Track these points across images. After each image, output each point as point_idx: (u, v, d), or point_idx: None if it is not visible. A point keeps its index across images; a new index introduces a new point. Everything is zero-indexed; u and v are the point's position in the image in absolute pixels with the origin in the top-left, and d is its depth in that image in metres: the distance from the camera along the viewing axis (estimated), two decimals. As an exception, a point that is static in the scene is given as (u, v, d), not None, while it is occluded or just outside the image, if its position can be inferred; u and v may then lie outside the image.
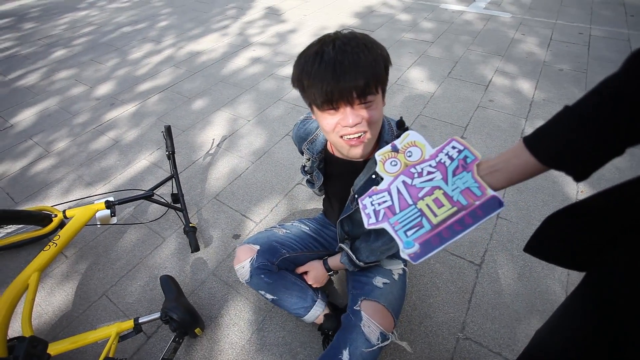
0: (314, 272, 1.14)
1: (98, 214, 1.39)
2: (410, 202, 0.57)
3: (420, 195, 0.57)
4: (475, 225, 0.52)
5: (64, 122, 2.38)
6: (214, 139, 2.14)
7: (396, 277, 1.06)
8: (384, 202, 0.59)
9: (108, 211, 1.39)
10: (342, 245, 1.06)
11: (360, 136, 0.75)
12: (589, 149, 0.47)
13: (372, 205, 0.60)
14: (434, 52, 2.98)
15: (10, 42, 3.74)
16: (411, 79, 2.62)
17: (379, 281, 1.02)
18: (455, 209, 0.54)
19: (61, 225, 1.44)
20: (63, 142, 2.19)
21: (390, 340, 0.91)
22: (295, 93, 2.52)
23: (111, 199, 1.42)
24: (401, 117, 0.89)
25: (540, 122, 2.25)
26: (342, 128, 0.74)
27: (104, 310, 1.31)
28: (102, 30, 3.87)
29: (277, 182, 1.81)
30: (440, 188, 0.56)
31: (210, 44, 3.35)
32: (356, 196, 0.92)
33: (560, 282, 1.31)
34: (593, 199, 0.53)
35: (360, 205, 0.62)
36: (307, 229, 1.22)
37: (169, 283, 1.22)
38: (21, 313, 1.06)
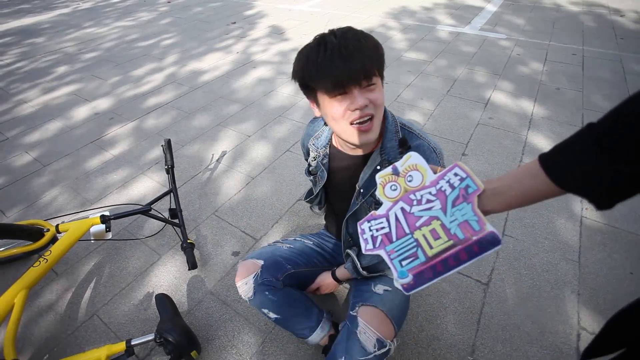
0: (324, 288, 1.14)
1: (92, 229, 1.34)
2: (407, 231, 0.57)
3: (417, 224, 0.57)
4: (470, 262, 0.51)
5: (62, 136, 2.36)
6: (213, 154, 2.12)
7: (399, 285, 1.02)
8: (382, 228, 0.60)
9: (103, 226, 1.34)
10: (349, 251, 1.03)
11: (368, 120, 0.77)
12: (608, 174, 0.42)
13: (370, 230, 0.61)
14: (432, 70, 3.03)
15: (13, 57, 3.77)
16: (411, 96, 2.64)
17: (379, 288, 0.98)
18: (451, 242, 0.53)
19: (53, 240, 1.38)
20: (59, 156, 2.15)
21: (388, 348, 0.85)
22: (298, 111, 2.52)
23: (107, 213, 1.38)
24: (404, 135, 0.87)
25: (540, 139, 2.24)
26: (351, 113, 0.76)
27: (94, 331, 1.24)
28: (105, 47, 3.91)
29: (278, 198, 1.78)
30: (438, 219, 0.55)
31: (213, 62, 3.39)
32: (362, 190, 0.91)
33: (571, 302, 1.26)
34: None
35: (359, 230, 0.62)
36: (311, 243, 1.18)
37: (164, 302, 1.16)
38: (4, 334, 1.00)
